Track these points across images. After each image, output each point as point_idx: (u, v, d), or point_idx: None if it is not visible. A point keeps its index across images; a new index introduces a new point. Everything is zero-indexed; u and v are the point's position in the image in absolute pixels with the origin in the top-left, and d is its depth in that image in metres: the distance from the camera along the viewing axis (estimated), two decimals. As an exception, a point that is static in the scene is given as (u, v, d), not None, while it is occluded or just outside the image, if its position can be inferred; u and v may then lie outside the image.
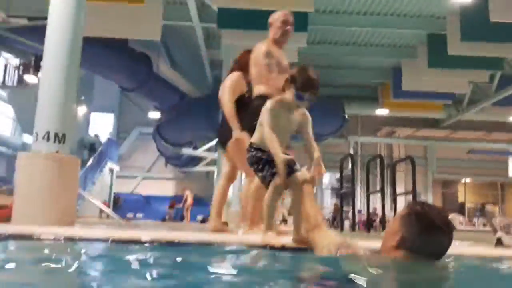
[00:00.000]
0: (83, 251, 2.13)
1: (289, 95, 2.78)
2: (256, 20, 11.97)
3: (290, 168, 2.68)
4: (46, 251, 2.12)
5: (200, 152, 21.83)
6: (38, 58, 17.48)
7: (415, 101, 17.55)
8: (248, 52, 4.34)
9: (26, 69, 18.85)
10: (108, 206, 16.31)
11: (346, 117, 17.98)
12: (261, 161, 2.83)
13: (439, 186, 25.15)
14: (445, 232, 1.82)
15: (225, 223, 10.46)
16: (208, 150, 21.66)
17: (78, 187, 5.46)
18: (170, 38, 15.07)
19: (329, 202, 24.63)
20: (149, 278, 1.42)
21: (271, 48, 4.09)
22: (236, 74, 4.48)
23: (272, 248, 2.55)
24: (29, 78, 18.36)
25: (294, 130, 2.91)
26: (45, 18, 5.25)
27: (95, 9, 9.13)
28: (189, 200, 19.95)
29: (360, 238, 4.20)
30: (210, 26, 13.05)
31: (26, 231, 2.93)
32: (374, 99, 19.32)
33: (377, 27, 13.51)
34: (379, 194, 10.83)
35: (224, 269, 1.72)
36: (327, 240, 2.37)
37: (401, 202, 8.70)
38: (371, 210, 13.60)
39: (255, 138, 2.92)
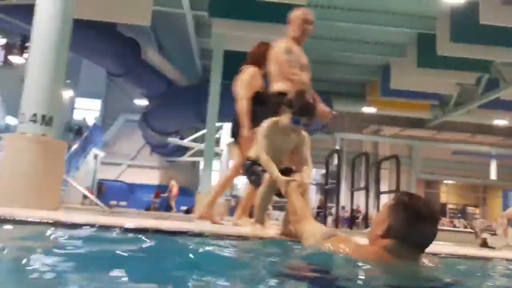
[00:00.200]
0: (73, 237, 2.10)
1: (285, 119, 2.85)
2: (248, 10, 11.98)
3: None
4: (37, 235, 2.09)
5: (187, 142, 21.74)
6: (24, 38, 17.16)
7: (402, 100, 17.69)
8: (263, 44, 4.31)
9: (11, 49, 18.48)
10: (92, 193, 16.14)
11: (334, 113, 18.00)
12: (254, 172, 3.00)
13: (422, 186, 25.44)
14: (431, 222, 1.86)
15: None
16: (195, 140, 21.59)
17: (63, 172, 5.39)
18: (159, 24, 14.88)
19: (313, 197, 24.77)
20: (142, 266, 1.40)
21: (291, 45, 4.07)
22: (252, 69, 4.41)
23: (260, 239, 2.55)
24: (14, 58, 18.02)
25: (290, 150, 3.00)
26: (34, -3, 5.15)
27: (85, -9, 8.99)
28: (174, 191, 19.88)
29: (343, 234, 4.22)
30: (201, 14, 12.92)
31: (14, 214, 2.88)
32: (361, 96, 19.38)
33: (367, 24, 13.53)
34: (363, 191, 10.93)
35: (212, 260, 1.71)
36: (314, 230, 2.39)
37: (385, 200, 8.79)
38: (354, 207, 13.73)
39: (252, 153, 3.09)
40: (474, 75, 14.78)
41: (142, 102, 20.15)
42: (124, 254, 1.62)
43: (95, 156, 20.69)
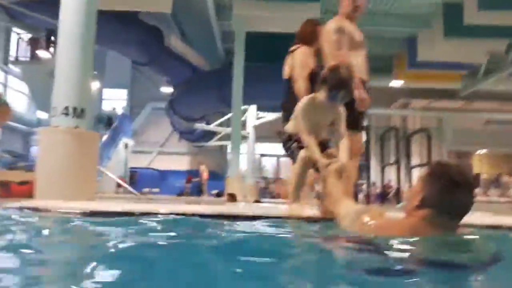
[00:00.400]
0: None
1: (321, 95, 2.83)
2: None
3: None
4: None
5: (213, 126, 21.86)
6: (50, 33, 17.44)
7: (430, 71, 17.31)
8: (309, 21, 4.21)
9: (37, 44, 18.81)
10: (125, 182, 16.47)
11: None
12: (290, 147, 3.06)
13: (454, 157, 24.96)
14: (466, 190, 1.83)
15: (234, 195, 10.43)
16: (221, 124, 21.68)
17: (97, 162, 5.51)
18: (180, 10, 14.88)
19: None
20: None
21: (342, 23, 3.91)
22: (304, 48, 4.26)
23: (298, 219, 2.57)
24: (42, 53, 18.35)
25: (328, 125, 3.00)
26: (58, -8, 5.21)
27: (106, -18, 9.04)
28: (205, 175, 20.12)
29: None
30: (221, -4, 12.86)
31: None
32: (388, 70, 19.04)
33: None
34: (393, 167, 10.80)
35: (252, 241, 1.74)
36: (348, 210, 2.37)
37: (416, 175, 8.66)
38: (385, 182, 13.61)
39: (288, 127, 3.13)
40: (504, 42, 14.30)
41: (168, 89, 20.30)
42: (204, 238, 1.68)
43: (126, 145, 21.02)
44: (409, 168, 10.62)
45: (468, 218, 1.86)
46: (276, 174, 24.49)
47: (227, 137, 19.55)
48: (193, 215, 2.75)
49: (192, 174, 21.55)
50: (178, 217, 2.55)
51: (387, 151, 16.86)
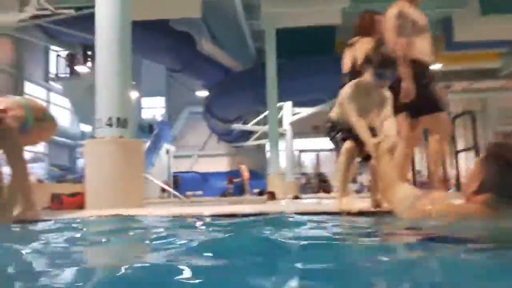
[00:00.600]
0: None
1: (367, 76, 2.79)
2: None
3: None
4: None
5: (250, 126, 21.93)
6: (85, 48, 17.97)
7: (469, 52, 16.75)
8: (366, 13, 4.17)
9: (75, 60, 19.43)
10: (169, 186, 16.77)
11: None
12: (335, 135, 3.02)
13: (500, 139, 24.05)
14: None
15: (273, 193, 10.37)
16: (258, 123, 21.72)
17: (143, 170, 5.62)
18: (209, 13, 14.99)
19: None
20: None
21: (404, 8, 3.85)
22: (366, 39, 4.20)
23: (349, 214, 2.52)
24: (80, 68, 18.94)
25: (375, 109, 2.95)
26: (92, 7, 5.35)
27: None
28: (246, 174, 20.21)
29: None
30: (249, -4, 12.87)
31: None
32: (424, 54, 18.55)
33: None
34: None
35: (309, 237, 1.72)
36: (405, 194, 2.28)
37: (463, 159, 8.40)
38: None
39: (333, 114, 3.10)
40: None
41: (203, 93, 20.52)
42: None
43: (167, 151, 21.41)
44: (455, 153, 10.31)
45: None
46: (316, 169, 24.32)
47: (264, 135, 19.56)
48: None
49: (233, 174, 21.68)
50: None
51: (430, 137, 16.44)
